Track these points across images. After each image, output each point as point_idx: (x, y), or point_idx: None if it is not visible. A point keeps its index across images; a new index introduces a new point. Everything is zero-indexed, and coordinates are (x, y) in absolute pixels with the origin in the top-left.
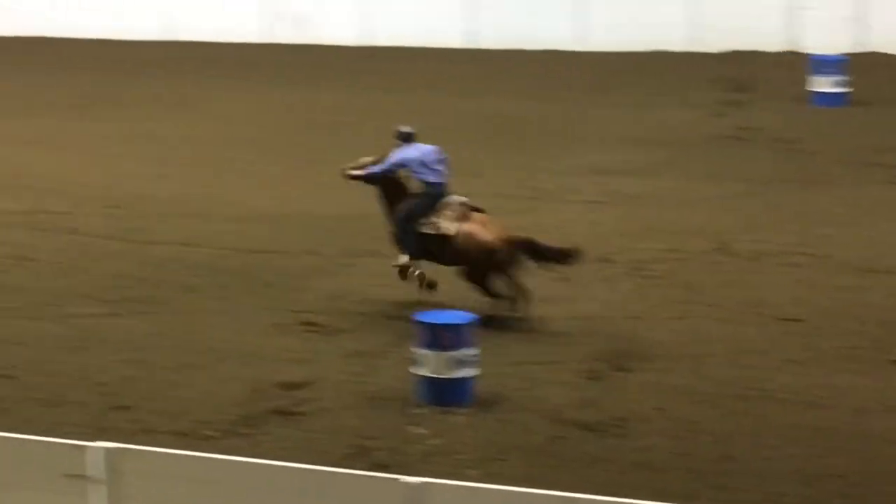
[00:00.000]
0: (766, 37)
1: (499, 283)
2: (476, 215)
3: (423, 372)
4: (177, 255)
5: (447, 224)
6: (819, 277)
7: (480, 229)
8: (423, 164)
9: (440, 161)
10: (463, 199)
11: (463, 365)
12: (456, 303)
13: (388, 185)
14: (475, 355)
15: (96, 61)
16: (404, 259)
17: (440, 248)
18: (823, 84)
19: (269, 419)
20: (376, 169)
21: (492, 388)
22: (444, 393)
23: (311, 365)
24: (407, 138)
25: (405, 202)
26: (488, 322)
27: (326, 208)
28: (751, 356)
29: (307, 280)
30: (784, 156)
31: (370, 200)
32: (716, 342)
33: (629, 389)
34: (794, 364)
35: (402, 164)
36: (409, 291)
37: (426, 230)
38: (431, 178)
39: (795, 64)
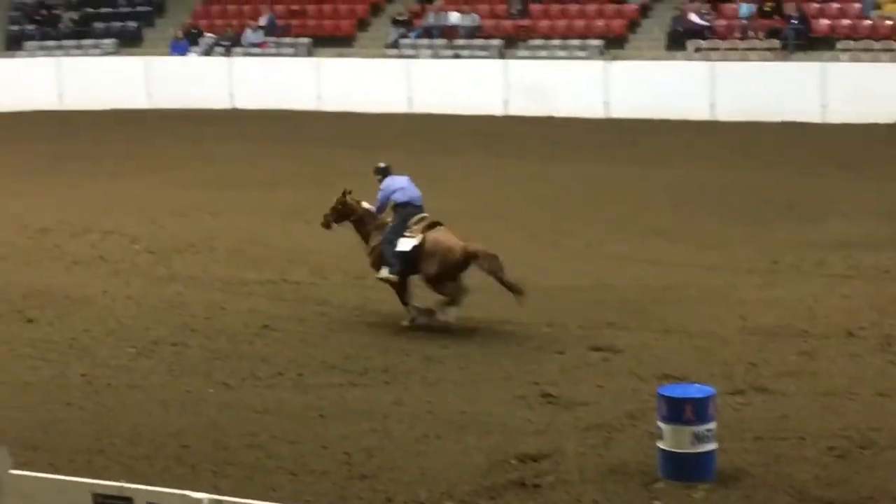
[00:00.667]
0: None
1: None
2: (440, 227)
3: (665, 446)
4: (417, 325)
5: (416, 235)
6: None
7: (445, 236)
8: (402, 190)
9: (412, 187)
10: (425, 214)
11: (705, 439)
12: (688, 375)
13: (360, 219)
14: (715, 430)
15: (338, 133)
16: (384, 273)
17: (416, 258)
18: None
19: (508, 491)
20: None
21: (734, 464)
22: (686, 467)
23: (550, 436)
24: (384, 172)
25: (384, 227)
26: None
27: (563, 279)
28: None
29: (545, 351)
30: None
31: (607, 272)
32: None
33: (877, 468)
34: None
35: (388, 197)
36: (647, 366)
37: (403, 248)
38: (415, 202)
39: None
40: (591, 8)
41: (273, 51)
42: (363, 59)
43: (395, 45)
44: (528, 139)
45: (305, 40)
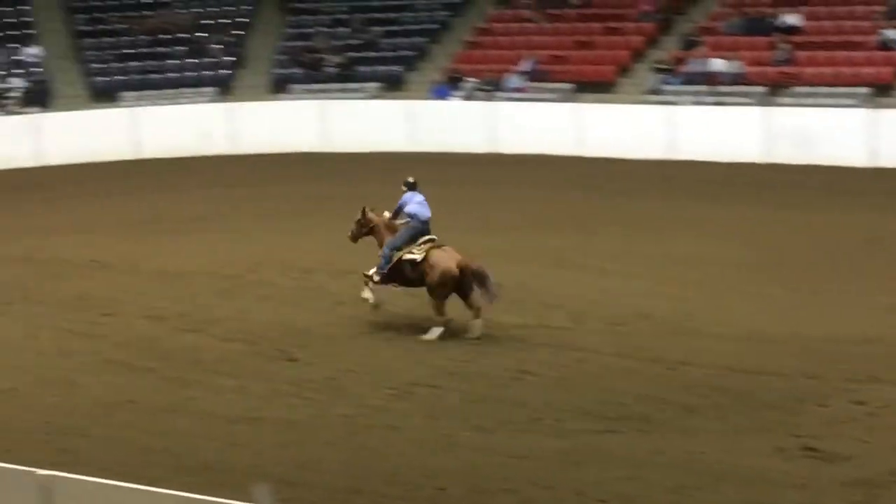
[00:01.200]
0: None
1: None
2: (445, 247)
3: None
4: (674, 373)
5: (418, 253)
6: None
7: (443, 256)
8: (414, 205)
9: (424, 207)
10: (433, 236)
11: None
12: None
13: (375, 229)
14: None
15: (598, 179)
16: (372, 271)
17: (413, 271)
18: None
19: None
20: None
21: None
22: None
23: (811, 491)
24: (411, 186)
25: (395, 234)
26: None
27: (827, 330)
28: None
29: (806, 403)
30: None
31: (874, 323)
32: None
33: None
34: None
35: (401, 206)
36: None
37: (406, 257)
38: (421, 217)
39: None
40: (859, 55)
41: (534, 96)
42: (624, 104)
43: (656, 91)
44: (791, 187)
45: (567, 86)
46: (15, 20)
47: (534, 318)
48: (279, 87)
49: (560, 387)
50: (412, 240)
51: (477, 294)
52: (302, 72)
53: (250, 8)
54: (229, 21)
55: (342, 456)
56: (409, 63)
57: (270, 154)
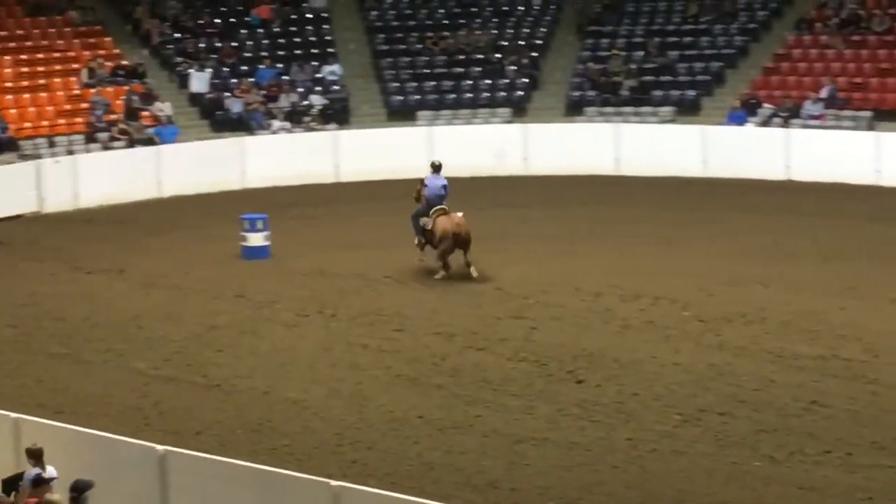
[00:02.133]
0: None
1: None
2: (451, 214)
3: None
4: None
5: (429, 220)
6: None
7: (444, 220)
8: (430, 187)
9: (445, 187)
10: (443, 206)
11: None
12: None
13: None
14: None
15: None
16: (417, 240)
17: (429, 234)
18: None
19: None
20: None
21: None
22: None
23: None
24: (436, 169)
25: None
26: None
27: None
28: None
29: None
30: None
31: None
32: None
33: None
34: None
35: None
36: None
37: (423, 224)
38: (429, 197)
39: None
40: None
41: (832, 123)
42: None
43: None
44: None
45: (866, 113)
46: (316, 39)
47: (827, 349)
48: (573, 108)
49: (853, 420)
50: (427, 210)
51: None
52: (596, 94)
53: (546, 30)
54: (525, 42)
55: (627, 479)
56: (705, 88)
57: (563, 176)
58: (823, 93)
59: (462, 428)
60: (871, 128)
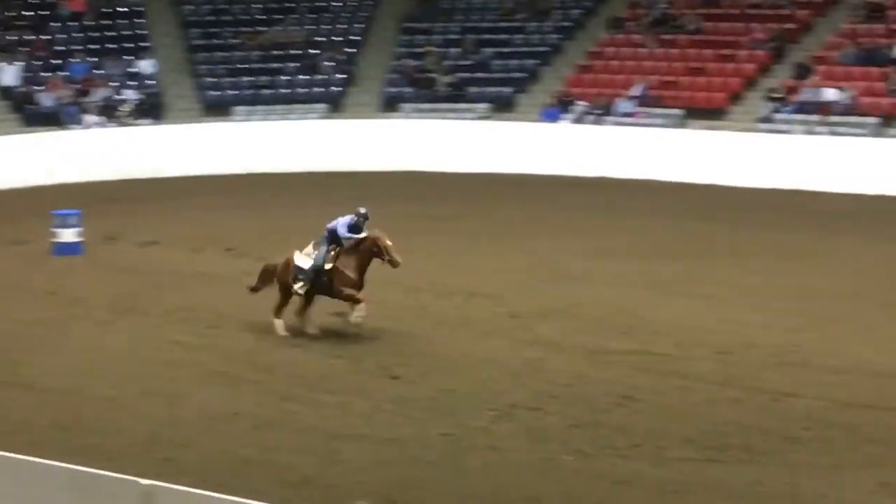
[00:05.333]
0: None
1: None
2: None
3: None
4: (779, 404)
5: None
6: None
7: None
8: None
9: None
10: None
11: None
12: None
13: None
14: None
15: (709, 206)
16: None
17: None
18: None
19: None
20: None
21: None
22: None
23: None
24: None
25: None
26: None
27: None
28: None
29: None
30: None
31: None
32: None
33: None
34: None
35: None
36: None
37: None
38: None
39: None
40: None
41: (644, 121)
42: (734, 132)
43: (767, 119)
44: None
45: (677, 112)
46: (130, 33)
47: (639, 345)
48: (390, 105)
49: (663, 414)
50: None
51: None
52: (413, 91)
53: (363, 26)
54: (342, 39)
55: (442, 476)
56: (520, 85)
57: (378, 172)
58: (636, 91)
59: (277, 424)
60: (682, 126)
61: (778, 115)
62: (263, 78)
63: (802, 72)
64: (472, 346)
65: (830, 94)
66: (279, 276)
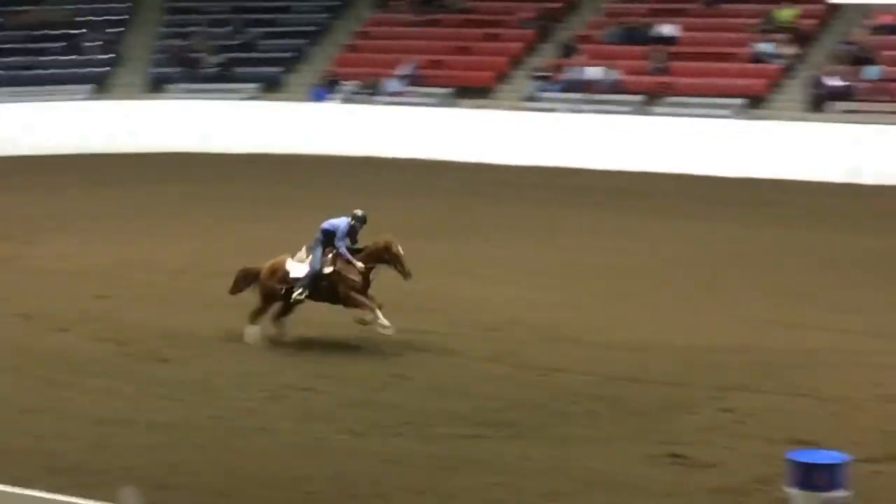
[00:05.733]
0: None
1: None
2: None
3: None
4: (546, 379)
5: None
6: None
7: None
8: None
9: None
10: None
11: None
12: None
13: None
14: (849, 497)
15: (473, 185)
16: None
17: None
18: None
19: None
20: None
21: None
22: None
23: (678, 498)
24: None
25: None
26: None
27: (698, 339)
28: None
29: (675, 411)
30: None
31: (743, 333)
32: None
33: None
34: None
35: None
36: (779, 430)
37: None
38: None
39: None
40: (733, 67)
41: (413, 100)
42: (502, 111)
43: (534, 98)
44: (669, 197)
45: (445, 91)
46: None
47: (410, 323)
48: (157, 86)
49: (433, 391)
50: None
51: None
52: (180, 71)
53: (128, 5)
54: (106, 18)
55: (213, 458)
56: (288, 65)
57: (145, 154)
58: (404, 70)
59: (43, 411)
60: (450, 105)
61: (544, 94)
62: (27, 58)
63: (567, 51)
64: (242, 327)
65: (595, 72)
66: (263, 282)
